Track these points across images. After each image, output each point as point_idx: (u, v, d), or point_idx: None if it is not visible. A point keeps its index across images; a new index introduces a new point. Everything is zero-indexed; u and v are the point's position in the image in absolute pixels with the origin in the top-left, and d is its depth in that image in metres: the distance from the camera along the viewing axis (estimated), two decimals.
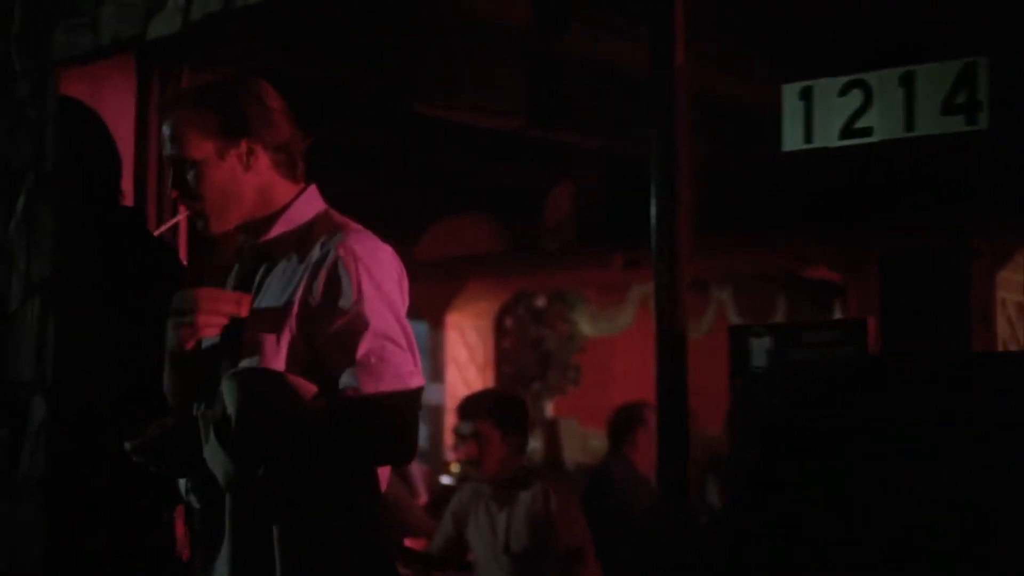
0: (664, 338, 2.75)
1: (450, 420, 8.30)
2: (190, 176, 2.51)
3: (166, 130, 2.54)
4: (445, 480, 7.05)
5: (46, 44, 3.32)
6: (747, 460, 2.28)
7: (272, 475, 2.24)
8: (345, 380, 2.30)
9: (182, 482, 2.43)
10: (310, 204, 2.52)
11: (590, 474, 6.09)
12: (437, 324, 8.88)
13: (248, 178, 2.51)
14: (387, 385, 2.29)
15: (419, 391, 2.33)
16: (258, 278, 2.46)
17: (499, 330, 9.35)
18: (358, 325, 2.30)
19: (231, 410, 2.21)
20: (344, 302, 2.31)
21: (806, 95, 2.38)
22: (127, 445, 2.37)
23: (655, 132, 2.85)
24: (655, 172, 2.82)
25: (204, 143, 2.51)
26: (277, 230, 2.48)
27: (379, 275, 2.37)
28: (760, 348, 2.44)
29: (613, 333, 10.56)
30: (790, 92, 2.42)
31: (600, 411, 9.88)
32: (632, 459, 5.47)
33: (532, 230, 8.06)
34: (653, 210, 2.80)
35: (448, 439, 8.20)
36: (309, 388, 2.28)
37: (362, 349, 2.30)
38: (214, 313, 2.36)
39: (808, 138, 2.36)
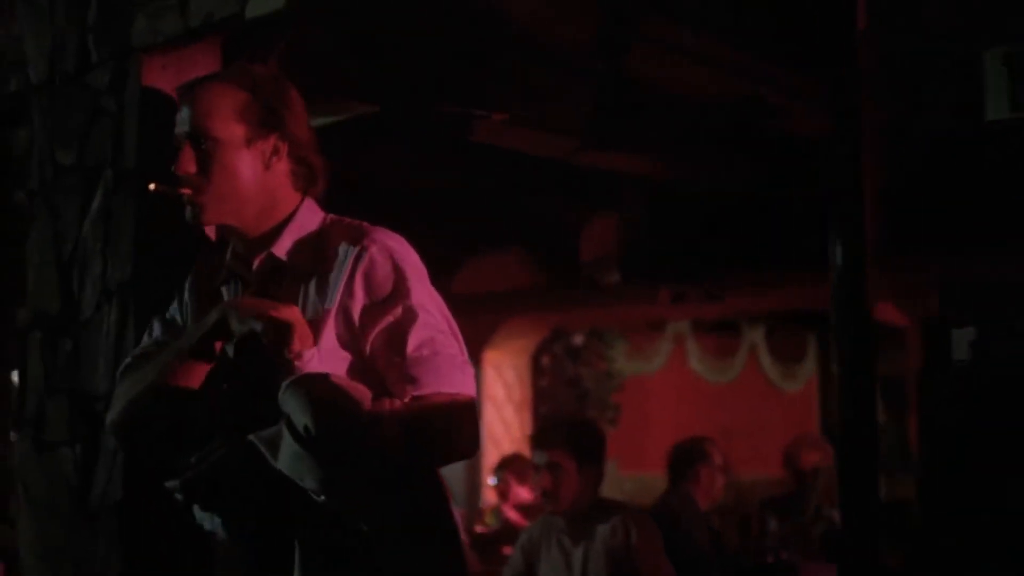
0: (850, 386, 2.47)
1: (488, 459, 8.06)
2: (202, 155, 2.37)
3: (189, 104, 2.40)
4: (478, 529, 6.80)
5: (126, 30, 3.08)
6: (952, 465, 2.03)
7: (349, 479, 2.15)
8: (399, 375, 2.22)
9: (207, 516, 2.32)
10: (313, 213, 2.44)
11: (649, 511, 5.95)
12: (474, 362, 8.62)
13: (264, 177, 2.41)
14: (445, 377, 2.22)
15: (473, 380, 2.28)
16: (276, 294, 2.34)
17: (536, 368, 9.16)
18: (407, 318, 2.24)
19: (304, 419, 2.09)
20: (389, 297, 2.25)
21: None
22: (171, 484, 2.23)
23: (835, 158, 2.60)
24: (836, 210, 2.58)
25: (234, 125, 2.39)
26: (287, 239, 2.39)
27: (417, 267, 2.32)
28: (962, 340, 2.20)
29: (649, 372, 10.34)
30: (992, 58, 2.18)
31: (639, 453, 9.63)
32: (693, 495, 5.33)
33: (570, 265, 7.88)
34: (837, 251, 2.55)
35: (485, 479, 7.95)
36: (365, 390, 2.19)
37: (413, 342, 2.23)
38: (308, 337, 2.26)
39: (1016, 106, 2.13)
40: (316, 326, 2.29)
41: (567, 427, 4.74)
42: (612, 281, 8.14)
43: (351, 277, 2.28)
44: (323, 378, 2.18)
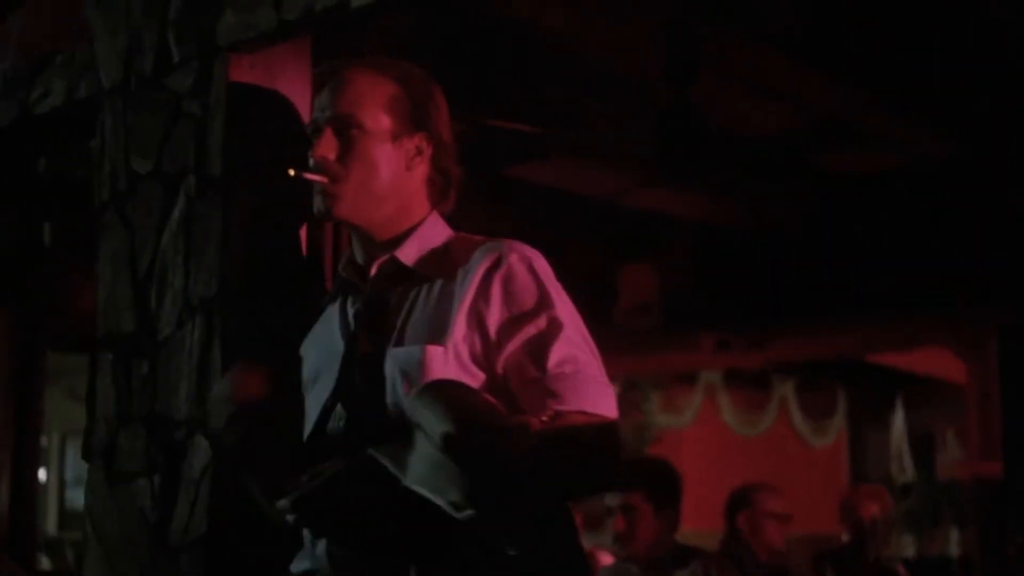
0: None
1: None
2: (345, 143, 2.24)
3: (336, 87, 2.27)
4: None
5: (212, 26, 2.85)
6: None
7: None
8: (538, 391, 2.05)
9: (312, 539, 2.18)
10: (440, 227, 2.31)
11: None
12: None
13: (404, 178, 2.29)
14: (588, 396, 2.05)
15: (615, 403, 2.09)
16: (393, 299, 2.23)
17: None
18: (551, 331, 2.09)
19: (443, 426, 1.91)
20: (531, 308, 2.10)
21: None
22: (282, 503, 2.04)
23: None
24: None
25: (382, 116, 2.28)
26: (412, 248, 2.26)
27: (554, 277, 2.18)
28: None
29: (681, 425, 10.09)
30: None
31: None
32: (747, 542, 5.18)
33: (608, 312, 7.67)
34: None
35: None
36: (497, 403, 2.01)
37: (555, 357, 2.07)
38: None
39: None
40: (437, 324, 2.13)
41: (643, 467, 4.50)
42: (651, 328, 7.91)
43: (487, 285, 2.13)
44: (456, 383, 2.02)
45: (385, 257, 2.27)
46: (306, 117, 2.88)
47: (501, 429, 1.94)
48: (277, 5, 2.74)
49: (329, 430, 2.25)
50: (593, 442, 2.05)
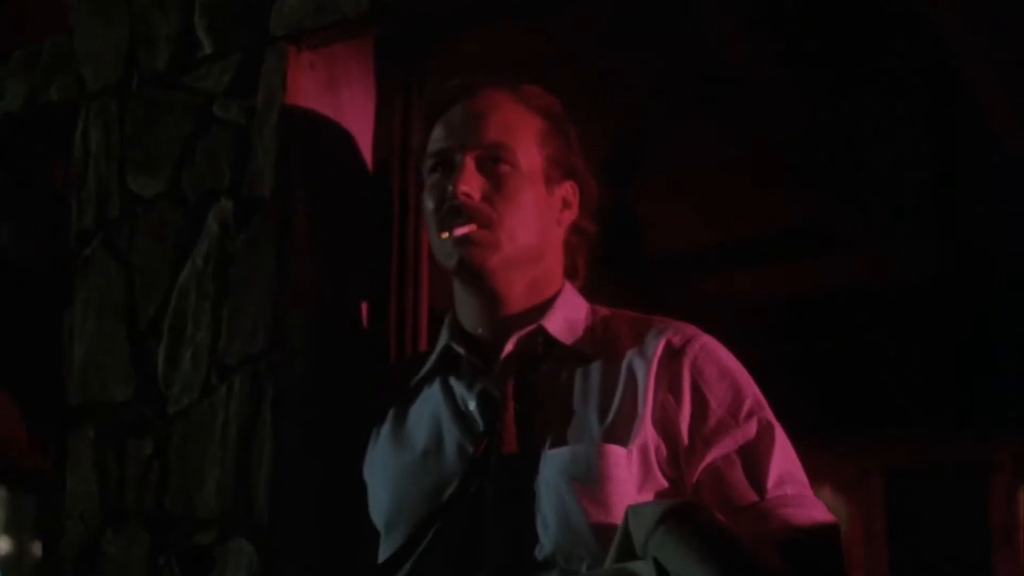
0: None
1: None
2: (495, 179, 1.84)
3: (481, 110, 1.88)
4: None
5: (264, 9, 2.22)
6: None
7: None
8: (755, 517, 1.70)
9: None
10: (579, 298, 1.95)
11: None
12: None
13: (552, 234, 1.92)
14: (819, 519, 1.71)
15: None
16: (541, 383, 1.83)
17: None
18: (764, 440, 1.76)
19: (701, 568, 1.47)
20: (734, 409, 1.78)
21: None
22: None
23: None
24: None
25: (535, 152, 1.89)
26: (558, 320, 1.87)
27: (742, 366, 1.85)
28: None
29: None
30: None
31: None
32: None
33: None
34: None
35: None
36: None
37: (775, 475, 1.74)
38: None
39: None
40: (613, 419, 1.75)
41: None
42: None
43: (674, 377, 1.79)
44: (706, 511, 1.57)
45: (530, 329, 1.85)
46: (369, 127, 2.29)
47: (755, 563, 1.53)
48: None
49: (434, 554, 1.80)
50: (825, 547, 1.70)
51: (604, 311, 1.94)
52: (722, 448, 1.75)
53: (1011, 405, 5.78)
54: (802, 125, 4.23)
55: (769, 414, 1.80)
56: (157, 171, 2.28)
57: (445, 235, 1.83)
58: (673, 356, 1.80)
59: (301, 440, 2.05)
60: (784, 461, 1.76)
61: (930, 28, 3.50)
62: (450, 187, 1.82)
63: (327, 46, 2.24)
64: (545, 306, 1.88)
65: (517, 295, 1.86)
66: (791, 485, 1.74)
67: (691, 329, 1.86)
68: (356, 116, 2.28)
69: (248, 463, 2.05)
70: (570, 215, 1.92)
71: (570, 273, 1.95)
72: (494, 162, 1.84)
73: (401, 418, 1.94)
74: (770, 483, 1.73)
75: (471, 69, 1.97)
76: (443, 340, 1.92)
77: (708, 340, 1.85)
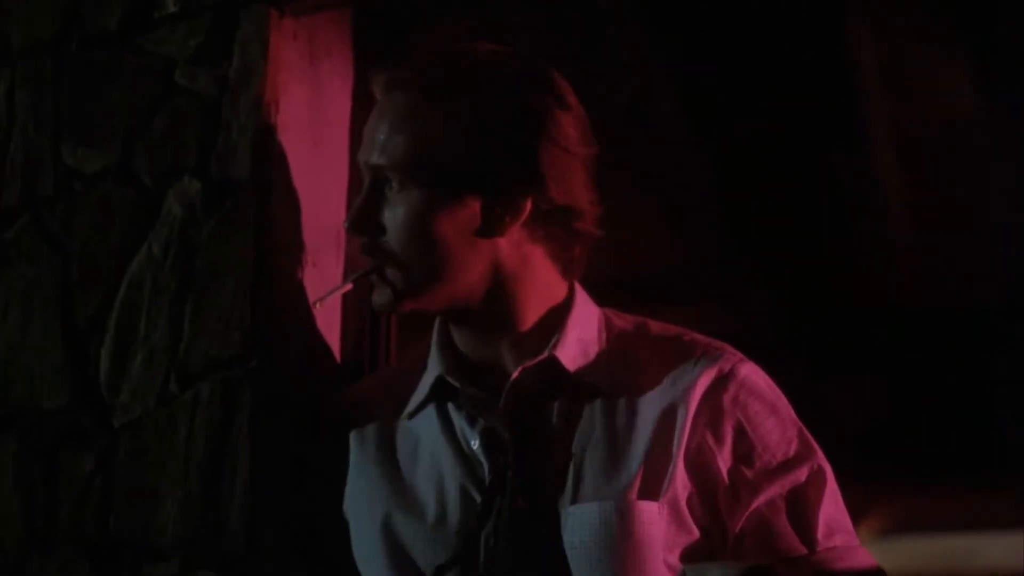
0: None
1: None
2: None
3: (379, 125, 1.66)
4: None
5: None
6: None
7: None
8: (801, 571, 1.57)
9: None
10: (590, 305, 1.72)
11: None
12: None
13: (487, 244, 1.64)
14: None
15: None
16: (554, 420, 1.62)
17: None
18: (815, 486, 1.60)
19: None
20: (782, 450, 1.61)
21: None
22: None
23: None
24: None
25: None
26: (572, 342, 1.64)
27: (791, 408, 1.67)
28: None
29: None
30: None
31: None
32: None
33: None
34: None
35: None
36: None
37: (824, 524, 1.59)
38: None
39: None
40: (645, 467, 1.56)
41: None
42: None
43: (715, 412, 1.60)
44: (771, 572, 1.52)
45: (539, 359, 1.62)
46: (346, 116, 2.04)
47: None
48: None
49: None
50: None
51: (620, 322, 1.72)
52: (768, 494, 1.59)
53: None
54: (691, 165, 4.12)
55: (819, 455, 1.64)
56: (101, 144, 1.97)
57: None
58: (714, 389, 1.62)
59: (282, 456, 1.78)
60: (832, 507, 1.62)
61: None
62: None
63: (310, 14, 1.98)
64: (553, 323, 1.66)
65: (469, 302, 1.65)
66: (840, 535, 1.60)
67: (730, 354, 1.67)
68: (335, 95, 2.03)
69: (218, 482, 1.76)
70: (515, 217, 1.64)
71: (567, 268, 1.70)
72: (383, 180, 1.65)
73: (388, 446, 1.70)
74: (820, 533, 1.59)
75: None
76: (435, 369, 1.69)
77: (750, 369, 1.67)
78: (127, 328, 1.88)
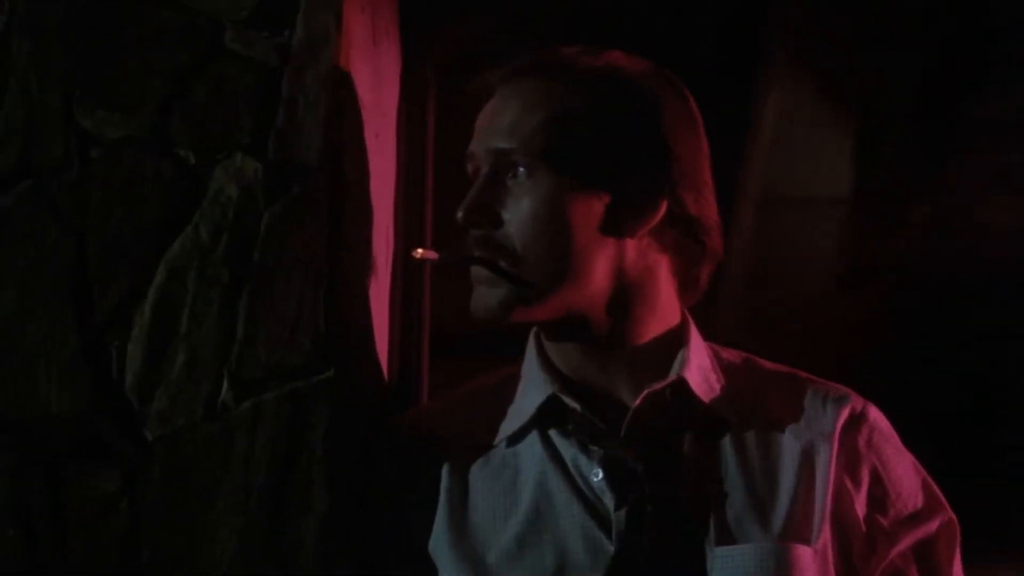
0: None
1: None
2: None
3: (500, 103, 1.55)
4: None
5: None
6: None
7: None
8: None
9: None
10: (700, 336, 1.61)
11: None
12: None
13: (613, 246, 1.52)
14: None
15: None
16: (681, 448, 1.50)
17: None
18: (946, 541, 1.57)
19: None
20: (913, 500, 1.56)
21: None
22: None
23: None
24: None
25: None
26: (694, 370, 1.53)
27: None
28: None
29: None
30: None
31: None
32: None
33: None
34: None
35: None
36: None
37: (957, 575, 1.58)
38: None
39: None
40: (798, 522, 1.47)
41: None
42: None
43: (852, 456, 1.53)
44: None
45: (669, 381, 1.51)
46: (394, 105, 1.83)
47: None
48: None
49: None
50: None
51: (727, 355, 1.62)
52: (903, 544, 1.55)
53: None
54: None
55: (948, 507, 1.59)
56: (129, 106, 1.67)
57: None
58: (848, 430, 1.54)
59: (360, 486, 1.53)
60: (959, 564, 1.60)
61: None
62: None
63: None
64: (671, 347, 1.53)
65: (625, 333, 1.53)
66: None
67: (855, 395, 1.59)
68: (390, 82, 1.81)
69: (284, 514, 1.49)
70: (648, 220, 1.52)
71: (686, 289, 1.59)
72: (506, 166, 1.52)
73: (480, 479, 1.52)
74: None
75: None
76: (544, 389, 1.52)
77: (877, 411, 1.61)
78: (164, 323, 1.58)
